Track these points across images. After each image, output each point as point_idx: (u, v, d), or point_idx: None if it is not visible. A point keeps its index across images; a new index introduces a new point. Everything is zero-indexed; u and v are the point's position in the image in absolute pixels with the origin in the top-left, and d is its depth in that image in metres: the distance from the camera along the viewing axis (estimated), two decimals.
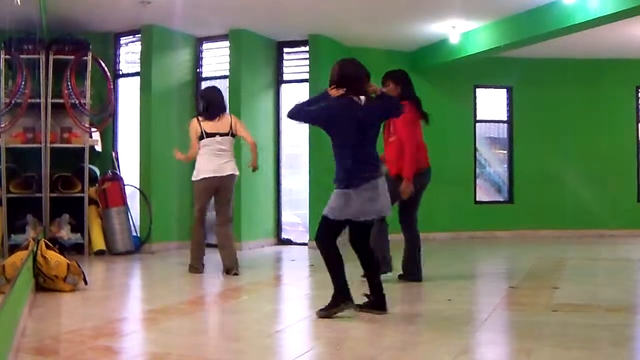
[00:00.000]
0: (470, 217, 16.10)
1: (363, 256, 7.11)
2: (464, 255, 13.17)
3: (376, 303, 6.97)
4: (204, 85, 13.77)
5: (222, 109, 10.14)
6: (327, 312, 6.77)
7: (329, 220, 6.88)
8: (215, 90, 10.55)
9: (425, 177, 9.05)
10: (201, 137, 9.91)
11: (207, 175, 9.86)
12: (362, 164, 6.81)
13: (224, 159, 9.90)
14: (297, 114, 7.14)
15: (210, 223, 10.52)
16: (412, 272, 9.01)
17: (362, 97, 6.90)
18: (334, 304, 6.81)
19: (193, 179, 10.03)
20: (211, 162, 9.87)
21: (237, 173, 10.06)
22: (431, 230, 15.30)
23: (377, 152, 7.02)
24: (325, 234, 6.95)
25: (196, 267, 10.04)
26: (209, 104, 10.10)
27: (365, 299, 7.00)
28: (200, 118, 10.03)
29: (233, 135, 10.04)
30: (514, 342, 6.12)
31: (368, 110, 6.89)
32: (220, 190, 9.96)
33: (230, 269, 9.90)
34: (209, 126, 9.93)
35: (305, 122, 7.51)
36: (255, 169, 10.17)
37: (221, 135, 9.91)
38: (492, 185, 17.03)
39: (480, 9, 12.26)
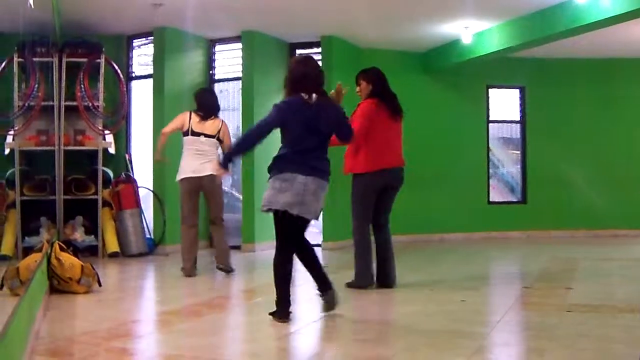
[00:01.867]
0: (484, 217, 16.08)
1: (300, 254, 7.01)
2: (477, 255, 13.16)
3: (328, 297, 6.96)
4: (217, 86, 13.90)
5: (214, 112, 10.19)
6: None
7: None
8: (207, 92, 10.69)
9: (390, 176, 8.75)
10: (185, 134, 9.99)
11: (187, 176, 9.95)
12: (295, 158, 6.71)
13: (204, 159, 9.92)
14: (253, 134, 7.01)
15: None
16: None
17: (314, 95, 6.81)
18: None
19: (176, 179, 10.08)
20: (192, 162, 9.94)
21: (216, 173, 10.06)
22: (444, 231, 15.35)
23: (323, 157, 6.89)
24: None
25: (187, 268, 10.02)
26: (200, 105, 10.14)
27: (320, 300, 7.00)
28: (193, 114, 10.08)
29: (219, 140, 10.06)
30: (528, 343, 6.11)
31: (317, 109, 6.80)
32: (204, 190, 10.01)
33: (223, 265, 10.03)
34: (197, 125, 10.00)
35: (268, 132, 7.21)
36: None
37: (206, 136, 9.97)
38: (505, 185, 17.02)
39: (492, 9, 12.25)
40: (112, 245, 12.37)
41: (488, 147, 16.42)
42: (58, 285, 8.25)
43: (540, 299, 8.10)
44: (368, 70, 8.99)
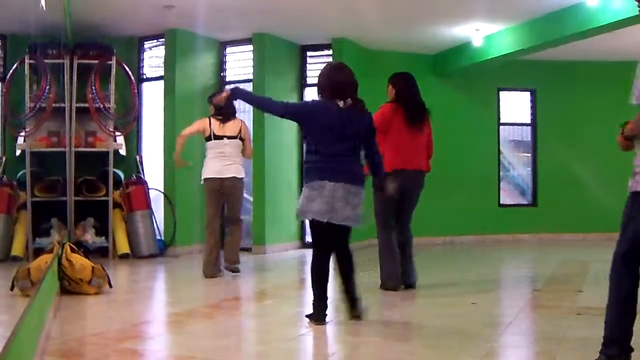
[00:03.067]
0: (494, 220, 16.06)
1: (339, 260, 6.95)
2: (488, 258, 13.16)
3: (351, 310, 6.84)
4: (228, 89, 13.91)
5: (233, 113, 10.25)
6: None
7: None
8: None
9: (403, 179, 8.49)
10: (208, 139, 10.08)
11: (209, 176, 10.03)
12: (324, 164, 6.66)
13: (228, 161, 10.04)
14: (269, 105, 7.13)
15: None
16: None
17: (348, 101, 6.75)
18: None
19: (201, 182, 10.16)
20: (215, 164, 10.04)
21: (240, 176, 10.15)
22: (455, 234, 15.33)
23: (354, 161, 6.82)
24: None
25: (209, 271, 10.07)
26: (219, 108, 10.16)
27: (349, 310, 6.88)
28: (212, 119, 10.15)
29: (241, 139, 10.13)
30: (539, 346, 6.11)
31: (348, 115, 6.75)
32: (225, 192, 10.05)
33: (230, 263, 10.07)
34: (218, 129, 10.09)
35: (281, 115, 7.03)
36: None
37: (229, 138, 10.06)
38: (516, 188, 17.00)
39: (503, 12, 12.24)
40: (123, 247, 12.40)
41: (499, 149, 16.41)
42: (69, 286, 8.27)
43: (551, 301, 8.10)
44: (396, 75, 9.06)
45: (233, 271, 10.09)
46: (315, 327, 6.58)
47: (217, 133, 10.03)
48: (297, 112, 6.99)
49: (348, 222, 6.71)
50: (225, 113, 10.16)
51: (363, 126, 6.82)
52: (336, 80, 6.82)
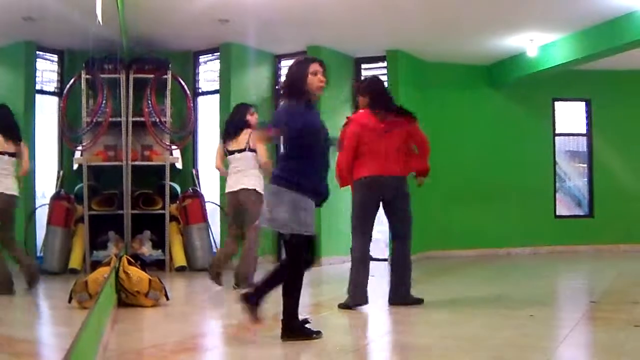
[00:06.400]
0: (550, 231, 15.92)
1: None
2: (545, 270, 13.04)
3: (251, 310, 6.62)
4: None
5: (237, 127, 10.31)
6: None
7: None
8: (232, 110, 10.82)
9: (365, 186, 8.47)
10: (226, 155, 10.37)
11: (227, 191, 10.35)
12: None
13: (241, 174, 10.12)
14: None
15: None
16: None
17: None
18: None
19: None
20: (231, 178, 10.26)
21: (250, 187, 10.00)
22: (511, 245, 15.21)
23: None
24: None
25: (213, 276, 10.36)
26: (225, 123, 10.57)
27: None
28: (223, 139, 10.49)
29: (252, 150, 10.12)
30: (597, 358, 6.05)
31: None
32: (241, 204, 10.13)
33: (236, 282, 10.18)
34: (229, 145, 10.29)
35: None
36: None
37: (238, 152, 10.17)
38: (572, 199, 16.86)
39: (557, 22, 12.18)
40: (179, 260, 12.48)
41: (554, 160, 16.28)
42: (126, 299, 8.33)
43: (608, 313, 8.00)
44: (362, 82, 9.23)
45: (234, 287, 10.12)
46: (370, 340, 6.57)
47: (229, 149, 10.29)
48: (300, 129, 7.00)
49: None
50: (227, 129, 10.37)
51: None
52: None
